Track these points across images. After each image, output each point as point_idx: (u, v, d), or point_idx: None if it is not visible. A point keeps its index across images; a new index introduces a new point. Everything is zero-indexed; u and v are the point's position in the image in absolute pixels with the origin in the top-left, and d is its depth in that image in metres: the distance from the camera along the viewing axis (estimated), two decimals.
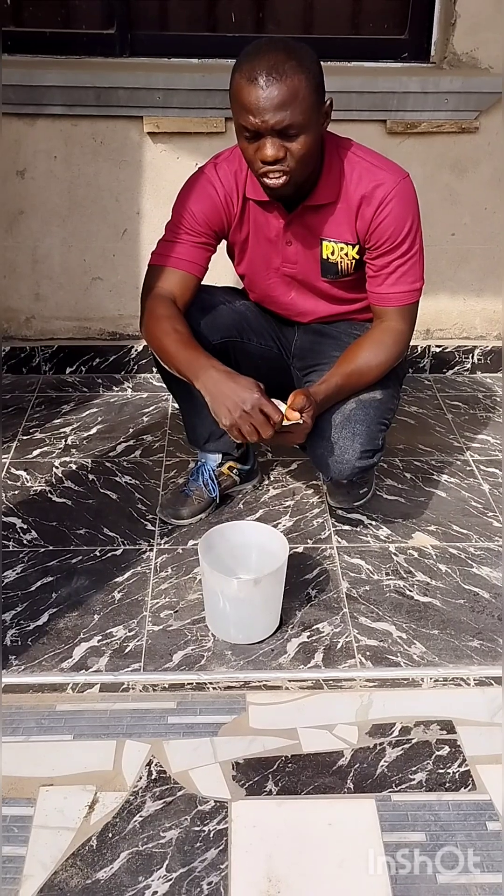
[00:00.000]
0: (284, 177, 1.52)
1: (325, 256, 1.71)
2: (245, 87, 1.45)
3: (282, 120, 1.45)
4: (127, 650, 1.60)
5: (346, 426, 1.68)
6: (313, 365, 1.86)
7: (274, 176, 1.51)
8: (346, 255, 1.70)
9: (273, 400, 1.55)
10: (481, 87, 2.30)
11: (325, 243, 1.70)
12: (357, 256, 1.70)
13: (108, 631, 1.65)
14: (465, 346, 2.66)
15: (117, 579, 1.78)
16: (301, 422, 1.55)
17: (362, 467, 1.72)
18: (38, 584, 1.76)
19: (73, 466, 2.17)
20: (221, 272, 1.91)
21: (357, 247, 1.68)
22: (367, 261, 1.70)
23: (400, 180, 1.62)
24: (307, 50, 1.49)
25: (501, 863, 1.25)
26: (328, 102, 1.54)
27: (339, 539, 1.92)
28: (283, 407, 1.55)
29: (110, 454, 2.23)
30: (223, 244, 1.80)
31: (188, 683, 1.54)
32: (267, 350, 1.90)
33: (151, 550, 1.88)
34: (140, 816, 1.31)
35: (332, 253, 1.70)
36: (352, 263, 1.71)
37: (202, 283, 1.77)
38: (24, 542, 1.88)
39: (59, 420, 2.39)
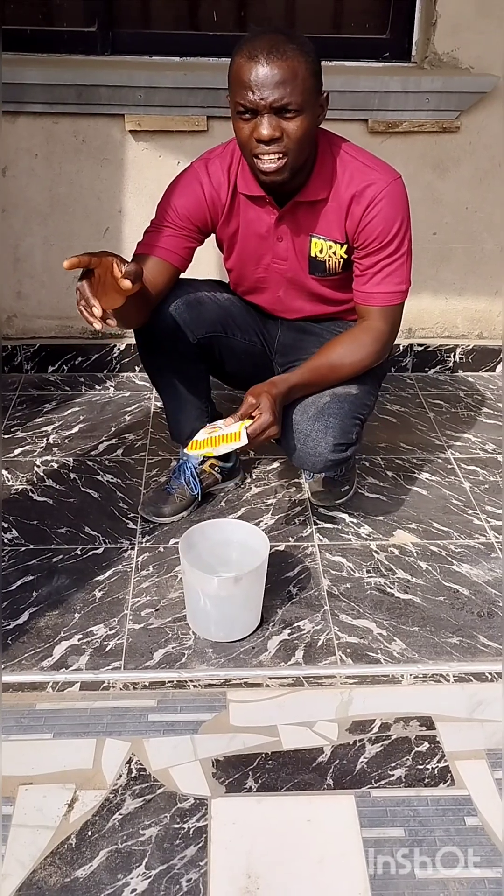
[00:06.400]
0: (280, 159, 1.51)
1: (313, 254, 1.72)
2: (245, 64, 1.46)
3: (280, 97, 1.45)
4: (107, 648, 1.60)
5: (319, 419, 1.68)
6: (294, 360, 1.87)
7: (269, 158, 1.51)
8: (335, 253, 1.70)
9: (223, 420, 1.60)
10: (462, 87, 2.31)
11: (313, 240, 1.70)
12: (345, 255, 1.70)
13: (88, 629, 1.65)
14: (447, 344, 2.67)
15: (98, 578, 1.78)
16: (244, 442, 1.54)
17: (335, 460, 1.72)
18: (19, 582, 1.76)
19: (55, 465, 2.16)
20: (206, 267, 1.91)
21: (345, 246, 1.69)
22: (354, 260, 1.70)
23: (391, 181, 1.63)
24: (307, 40, 1.51)
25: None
26: (325, 95, 1.55)
27: (321, 537, 1.93)
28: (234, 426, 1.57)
29: (92, 453, 2.22)
30: (211, 239, 1.80)
31: (169, 681, 1.54)
32: (251, 346, 1.90)
33: (133, 549, 1.87)
34: (119, 814, 1.31)
35: (321, 251, 1.71)
36: (339, 262, 1.71)
37: (188, 276, 1.78)
38: (5, 540, 1.87)
39: (40, 419, 2.38)
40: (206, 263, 1.88)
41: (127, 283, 1.41)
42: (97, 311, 1.38)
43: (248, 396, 1.60)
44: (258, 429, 1.57)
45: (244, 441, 1.54)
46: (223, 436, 1.57)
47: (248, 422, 1.57)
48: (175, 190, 1.71)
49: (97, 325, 1.39)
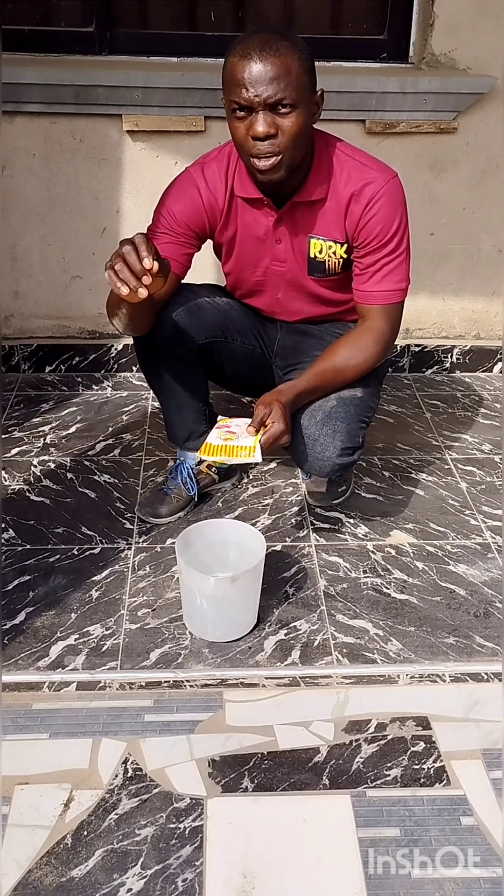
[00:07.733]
0: (276, 157, 1.50)
1: (312, 255, 1.71)
2: (238, 63, 1.46)
3: (275, 93, 1.45)
4: (104, 648, 1.60)
5: (326, 423, 1.68)
6: (295, 363, 1.87)
7: (265, 156, 1.50)
8: (334, 253, 1.70)
9: (233, 420, 1.60)
10: (459, 88, 2.31)
11: (312, 241, 1.70)
12: (345, 255, 1.70)
13: (85, 629, 1.65)
14: (444, 345, 2.67)
15: (95, 578, 1.78)
16: (258, 460, 1.55)
17: (343, 464, 1.72)
18: (16, 582, 1.76)
19: (52, 465, 2.16)
20: (202, 271, 1.91)
21: (345, 245, 1.69)
22: (354, 259, 1.70)
23: (389, 179, 1.63)
24: (300, 38, 1.52)
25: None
26: (319, 92, 1.55)
27: (318, 537, 1.93)
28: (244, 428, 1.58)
29: (89, 453, 2.22)
30: (209, 244, 1.80)
31: (165, 681, 1.54)
32: (250, 349, 1.90)
33: (130, 549, 1.87)
34: (115, 814, 1.31)
35: (320, 251, 1.71)
36: (339, 262, 1.71)
37: (186, 281, 1.77)
38: (2, 540, 1.87)
39: (37, 419, 2.38)
40: (203, 266, 1.88)
41: (156, 268, 1.36)
42: (147, 262, 1.33)
43: (259, 406, 1.60)
44: (271, 437, 1.57)
45: (258, 458, 1.55)
46: (238, 447, 1.57)
47: (261, 434, 1.58)
48: (171, 195, 1.70)
49: (132, 284, 1.33)
